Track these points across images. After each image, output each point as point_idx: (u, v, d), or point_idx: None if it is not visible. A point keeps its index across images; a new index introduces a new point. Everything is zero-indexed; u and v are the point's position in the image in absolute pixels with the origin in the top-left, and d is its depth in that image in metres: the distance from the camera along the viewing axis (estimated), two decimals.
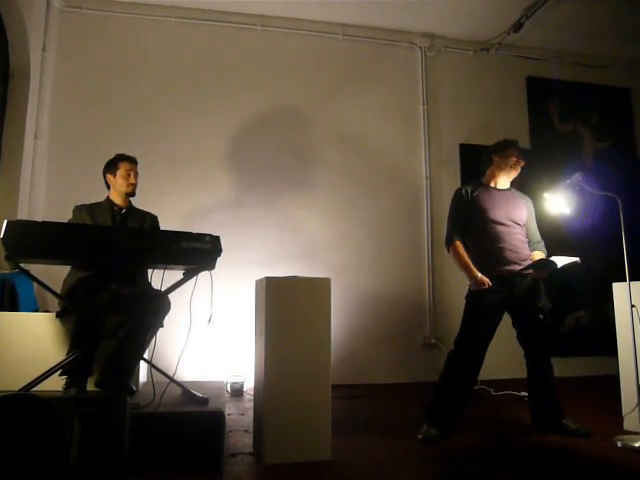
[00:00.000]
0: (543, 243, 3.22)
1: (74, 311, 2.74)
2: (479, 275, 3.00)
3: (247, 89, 5.22)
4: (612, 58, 6.05)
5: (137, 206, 3.35)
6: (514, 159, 3.17)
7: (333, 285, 2.70)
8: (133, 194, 3.26)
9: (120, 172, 3.20)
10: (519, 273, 3.04)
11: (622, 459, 2.61)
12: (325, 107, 5.37)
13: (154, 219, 3.37)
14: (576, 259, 3.00)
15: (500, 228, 3.09)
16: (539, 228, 3.28)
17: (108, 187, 3.29)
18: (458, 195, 3.22)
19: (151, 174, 3.58)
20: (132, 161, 3.27)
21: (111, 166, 3.25)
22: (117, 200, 3.23)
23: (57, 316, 2.93)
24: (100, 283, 2.75)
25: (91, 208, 3.15)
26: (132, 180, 3.22)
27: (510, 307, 3.09)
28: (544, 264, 3.03)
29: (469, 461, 2.63)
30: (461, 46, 5.80)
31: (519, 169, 3.21)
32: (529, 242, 3.18)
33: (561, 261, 3.00)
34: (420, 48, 5.68)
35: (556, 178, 3.33)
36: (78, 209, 3.14)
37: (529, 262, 3.07)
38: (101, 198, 3.27)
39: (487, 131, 5.39)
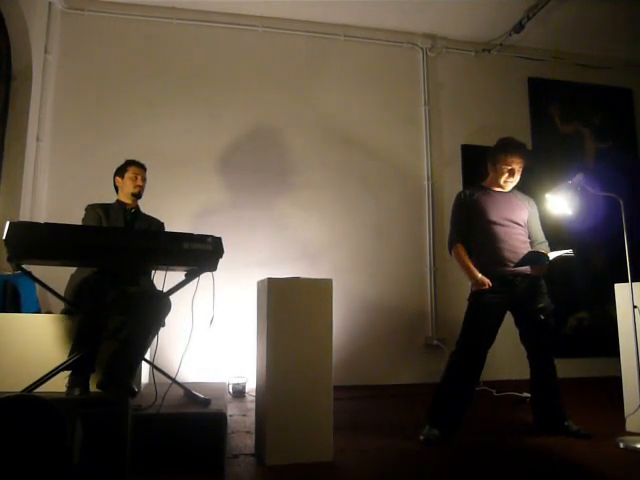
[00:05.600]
0: (547, 244, 3.21)
1: (78, 312, 2.76)
2: (479, 275, 3.01)
3: (248, 90, 5.22)
4: (614, 59, 6.04)
5: (140, 208, 3.44)
6: (505, 175, 3.15)
7: (335, 286, 2.70)
8: (139, 196, 3.40)
9: (128, 174, 3.38)
10: (519, 273, 3.04)
11: (624, 460, 2.60)
12: (326, 108, 5.37)
13: (161, 225, 3.47)
14: (569, 251, 3.00)
15: (499, 229, 3.10)
16: (542, 229, 3.28)
17: (117, 191, 3.43)
18: (458, 199, 3.25)
19: (152, 175, 3.59)
20: (140, 166, 3.44)
21: (121, 170, 3.43)
22: (126, 201, 3.37)
23: (62, 312, 2.96)
24: (106, 283, 2.77)
25: (104, 207, 3.28)
26: (139, 182, 3.38)
27: (512, 308, 3.09)
28: (534, 256, 3.03)
29: (471, 462, 2.63)
30: (462, 47, 5.80)
31: (516, 179, 3.19)
32: (532, 243, 3.18)
33: (553, 254, 3.01)
34: (421, 49, 5.68)
35: (558, 179, 3.32)
36: (92, 207, 3.26)
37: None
38: (103, 199, 3.37)
39: (489, 132, 5.38)
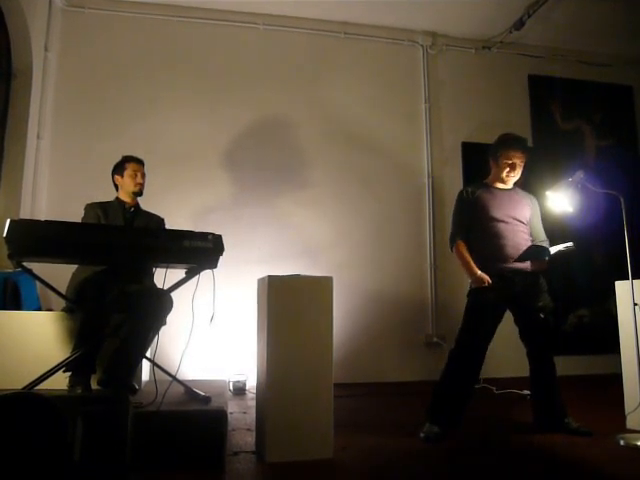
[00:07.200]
0: (548, 242, 3.21)
1: (80, 310, 2.76)
2: (478, 272, 3.00)
3: (248, 87, 5.22)
4: (615, 56, 6.02)
5: (140, 205, 3.39)
6: (507, 170, 3.15)
7: (335, 283, 2.70)
8: (140, 193, 3.33)
9: (127, 172, 3.29)
10: (520, 271, 3.03)
11: (624, 458, 2.60)
12: (327, 105, 5.37)
13: (161, 221, 3.43)
14: (569, 244, 3.00)
15: (502, 226, 3.09)
16: (543, 226, 3.28)
17: (117, 189, 3.37)
18: (460, 196, 3.24)
19: (153, 173, 3.59)
20: (138, 162, 3.35)
21: (119, 167, 3.34)
22: (126, 199, 3.31)
23: (63, 310, 2.96)
24: (107, 282, 2.77)
25: (103, 206, 3.22)
26: (139, 180, 3.30)
27: (511, 306, 3.09)
28: (535, 250, 3.03)
29: (471, 460, 2.63)
30: (463, 44, 5.79)
31: (517, 174, 3.19)
32: (534, 241, 3.17)
33: (554, 248, 3.01)
34: (422, 46, 5.67)
35: (558, 176, 3.32)
36: (91, 206, 3.20)
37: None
38: (103, 197, 3.32)
39: (489, 129, 5.34)
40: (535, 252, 3.03)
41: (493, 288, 2.99)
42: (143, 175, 3.33)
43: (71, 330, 2.90)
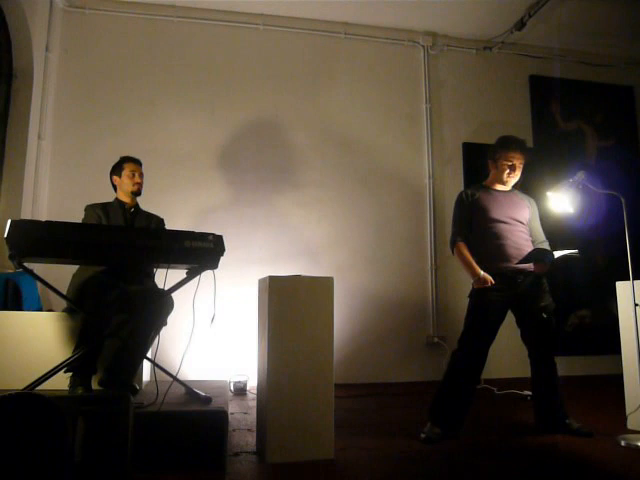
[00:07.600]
0: (548, 243, 3.21)
1: (81, 310, 2.76)
2: (481, 273, 3.00)
3: (249, 88, 5.22)
4: (615, 56, 6.02)
5: (140, 205, 3.40)
6: (506, 172, 3.15)
7: (336, 284, 2.70)
8: (139, 193, 3.33)
9: (125, 172, 3.29)
10: (522, 271, 3.03)
11: (625, 458, 2.60)
12: (327, 106, 5.37)
13: (160, 221, 3.43)
14: (574, 251, 3.00)
15: (502, 226, 3.09)
16: (543, 227, 3.28)
17: (115, 189, 3.37)
18: (459, 198, 3.24)
19: (153, 173, 3.60)
20: (136, 162, 3.36)
21: (116, 168, 3.35)
22: (125, 200, 3.31)
23: (64, 310, 2.97)
24: (108, 282, 2.78)
25: (104, 206, 3.22)
26: (137, 179, 3.30)
27: (513, 305, 3.09)
28: (539, 253, 3.03)
29: (472, 460, 2.63)
30: (464, 45, 5.79)
31: (517, 175, 3.19)
32: (533, 242, 3.17)
33: (559, 252, 3.01)
34: (423, 47, 5.67)
35: (559, 177, 3.33)
36: (91, 207, 3.20)
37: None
38: (104, 197, 3.33)
39: (490, 130, 5.37)
40: (539, 255, 3.02)
41: (496, 288, 2.99)
42: (141, 175, 3.33)
43: (72, 331, 2.90)
